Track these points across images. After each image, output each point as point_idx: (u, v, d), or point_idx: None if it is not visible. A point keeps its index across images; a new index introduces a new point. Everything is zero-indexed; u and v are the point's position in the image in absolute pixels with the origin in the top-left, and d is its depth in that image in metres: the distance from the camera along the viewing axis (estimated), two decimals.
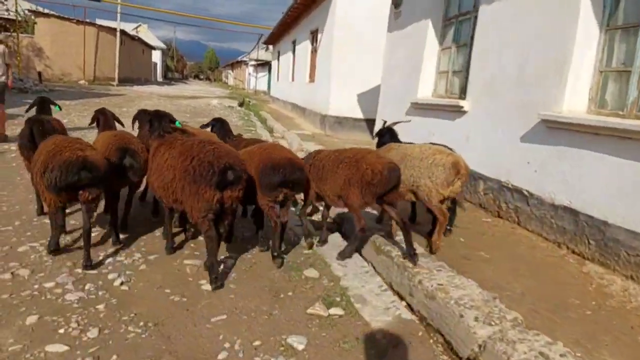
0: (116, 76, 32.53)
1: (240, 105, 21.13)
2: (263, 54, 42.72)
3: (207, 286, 3.10)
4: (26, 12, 28.01)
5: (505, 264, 3.64)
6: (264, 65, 43.40)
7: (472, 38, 5.65)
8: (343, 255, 3.69)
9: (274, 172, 3.29)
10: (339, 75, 12.00)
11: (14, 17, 24.60)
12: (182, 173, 3.03)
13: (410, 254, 3.29)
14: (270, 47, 41.47)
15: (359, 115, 12.26)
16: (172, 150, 3.22)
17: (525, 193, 4.47)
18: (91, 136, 6.19)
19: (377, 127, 5.27)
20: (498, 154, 4.90)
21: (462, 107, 5.56)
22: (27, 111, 5.01)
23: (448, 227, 4.11)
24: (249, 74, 49.49)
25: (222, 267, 3.35)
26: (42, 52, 28.16)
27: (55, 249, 3.35)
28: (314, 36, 15.29)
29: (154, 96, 23.59)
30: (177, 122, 3.78)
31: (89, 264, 3.17)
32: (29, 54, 27.71)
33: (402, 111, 7.18)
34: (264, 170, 3.32)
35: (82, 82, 29.25)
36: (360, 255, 3.84)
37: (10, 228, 3.91)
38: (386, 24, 8.45)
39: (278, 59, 25.17)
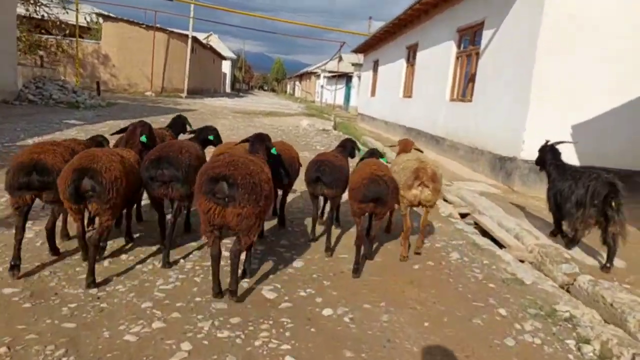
0: (185, 87, 29.40)
1: (335, 128, 16.69)
2: (338, 65, 38.83)
3: None
4: (92, 15, 25.51)
5: None
6: (341, 77, 39.34)
7: None
8: None
9: None
10: (544, 94, 7.16)
11: (74, 22, 21.77)
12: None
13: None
14: (347, 57, 37.83)
15: (573, 160, 7.24)
16: None
17: None
18: None
19: None
20: None
21: None
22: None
23: (607, 265, 4.01)
24: (321, 86, 45.57)
25: None
26: (108, 59, 25.48)
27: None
28: (462, 36, 10.54)
29: (227, 112, 19.78)
30: (273, 150, 3.63)
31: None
32: (94, 62, 25.13)
33: None
34: None
35: (148, 93, 26.32)
36: None
37: None
38: None
39: (374, 70, 20.59)
